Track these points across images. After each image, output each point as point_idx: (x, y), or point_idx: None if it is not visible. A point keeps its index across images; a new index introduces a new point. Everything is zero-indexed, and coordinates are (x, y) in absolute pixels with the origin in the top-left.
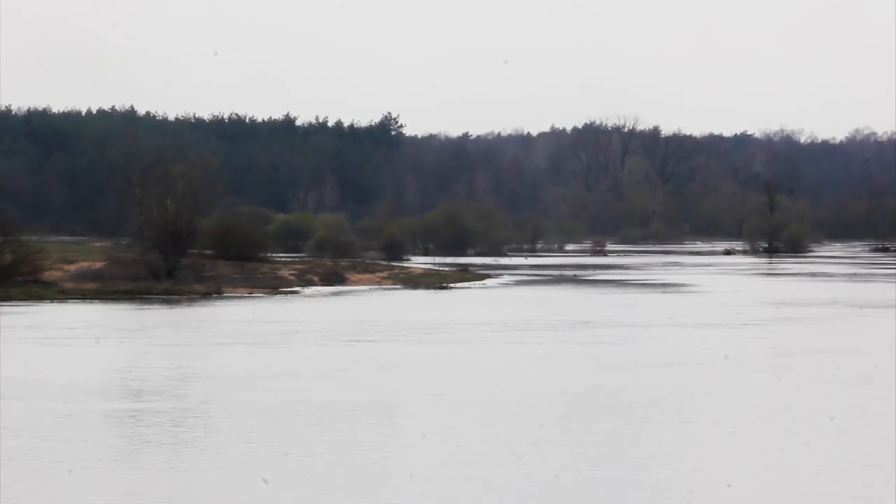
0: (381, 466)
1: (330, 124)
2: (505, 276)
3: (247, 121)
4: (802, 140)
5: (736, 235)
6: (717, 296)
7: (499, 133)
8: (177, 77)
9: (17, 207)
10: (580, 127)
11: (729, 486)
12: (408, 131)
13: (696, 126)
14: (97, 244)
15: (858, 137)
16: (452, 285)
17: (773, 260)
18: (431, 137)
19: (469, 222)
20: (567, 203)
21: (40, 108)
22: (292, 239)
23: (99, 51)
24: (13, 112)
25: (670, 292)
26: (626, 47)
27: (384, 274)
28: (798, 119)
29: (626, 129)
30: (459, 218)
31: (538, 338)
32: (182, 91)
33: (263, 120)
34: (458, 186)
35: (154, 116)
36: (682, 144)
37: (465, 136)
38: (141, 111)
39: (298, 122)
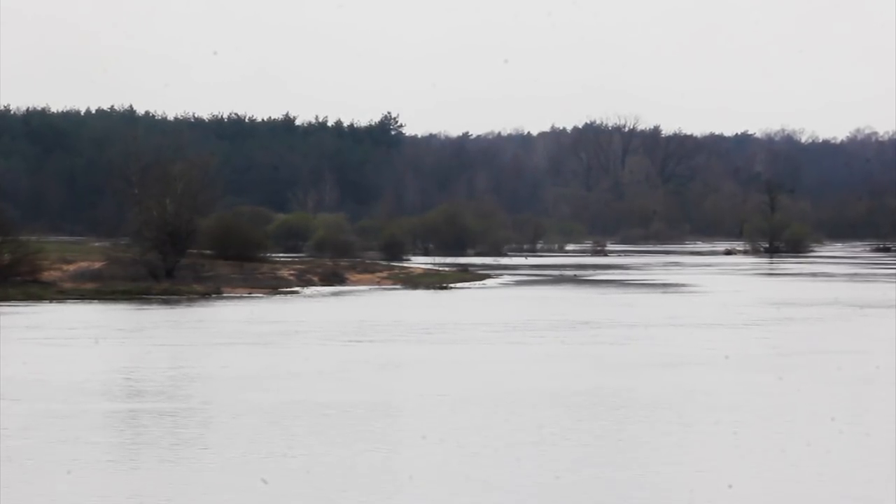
0: (381, 467)
1: (329, 124)
2: (505, 277)
3: (246, 120)
4: (803, 140)
5: (737, 235)
6: (717, 296)
7: (499, 133)
8: (176, 76)
9: (16, 207)
10: (580, 127)
11: (730, 486)
12: (408, 131)
13: (697, 126)
14: (96, 244)
15: (859, 137)
16: (452, 285)
17: (774, 260)
18: (431, 137)
19: (469, 222)
20: (567, 203)
21: (39, 108)
22: (292, 239)
23: (98, 50)
24: (12, 111)
25: (671, 292)
26: (626, 47)
27: (384, 274)
28: (799, 119)
29: (627, 129)
30: (459, 218)
31: (538, 338)
32: (181, 90)
33: (263, 119)
34: (458, 186)
35: (153, 116)
36: (682, 144)
37: (465, 135)
38: (140, 111)
39: (298, 122)
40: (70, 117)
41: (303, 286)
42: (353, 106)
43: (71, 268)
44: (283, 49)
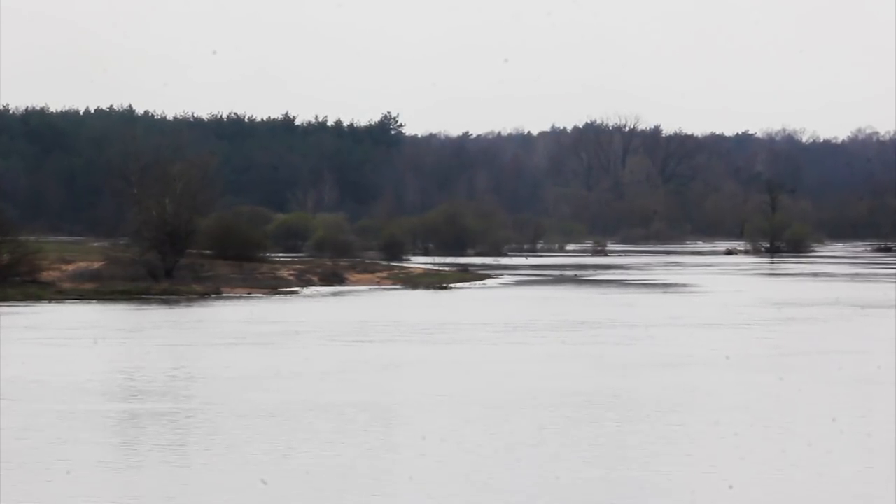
0: (381, 467)
1: (329, 123)
2: (505, 277)
3: (246, 120)
4: (804, 139)
5: (737, 235)
6: (718, 296)
7: (499, 132)
8: (175, 76)
9: (15, 207)
10: (581, 126)
11: (731, 487)
12: (407, 130)
13: (698, 125)
14: (95, 244)
15: (860, 137)
16: (452, 285)
17: (775, 260)
18: (431, 137)
19: (469, 222)
20: (568, 203)
21: (38, 108)
22: (291, 239)
23: (97, 50)
24: (11, 111)
25: (672, 292)
26: (627, 46)
27: (384, 274)
28: (800, 118)
29: (627, 129)
30: (459, 218)
31: (539, 338)
32: (180, 90)
33: (262, 119)
34: (458, 186)
35: (152, 116)
36: (683, 144)
37: (465, 135)
38: (139, 110)
39: (297, 122)
40: (69, 117)
41: (302, 286)
42: (352, 105)
43: (70, 268)
44: (282, 48)
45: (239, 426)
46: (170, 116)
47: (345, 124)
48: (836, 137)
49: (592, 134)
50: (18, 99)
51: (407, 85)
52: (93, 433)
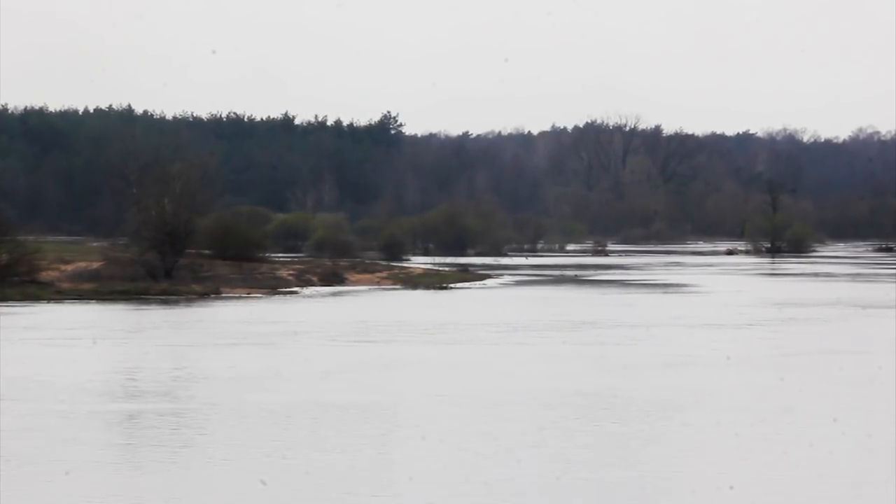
0: (381, 468)
1: (329, 123)
2: (505, 277)
3: (245, 120)
4: (805, 139)
5: (738, 235)
6: (719, 296)
7: (499, 132)
8: (174, 76)
9: (14, 207)
10: (581, 126)
11: (731, 487)
12: (407, 130)
13: (698, 125)
14: (94, 244)
15: (862, 136)
16: (452, 285)
17: (776, 260)
18: (431, 136)
19: (469, 222)
20: (568, 203)
21: (37, 107)
22: (291, 239)
23: (96, 49)
24: (9, 111)
25: (672, 292)
26: (627, 46)
27: (384, 274)
28: (801, 118)
29: (628, 128)
30: (459, 218)
31: (539, 338)
32: (180, 90)
33: (262, 119)
34: (458, 186)
35: (151, 115)
36: (683, 144)
37: (466, 135)
38: (138, 110)
39: (297, 122)
40: (68, 117)
41: (302, 286)
42: (352, 105)
43: (69, 268)
44: (282, 48)
45: (239, 426)
46: (169, 116)
47: (344, 124)
48: (837, 137)
49: (593, 134)
50: (17, 98)
51: (407, 85)
52: (93, 433)
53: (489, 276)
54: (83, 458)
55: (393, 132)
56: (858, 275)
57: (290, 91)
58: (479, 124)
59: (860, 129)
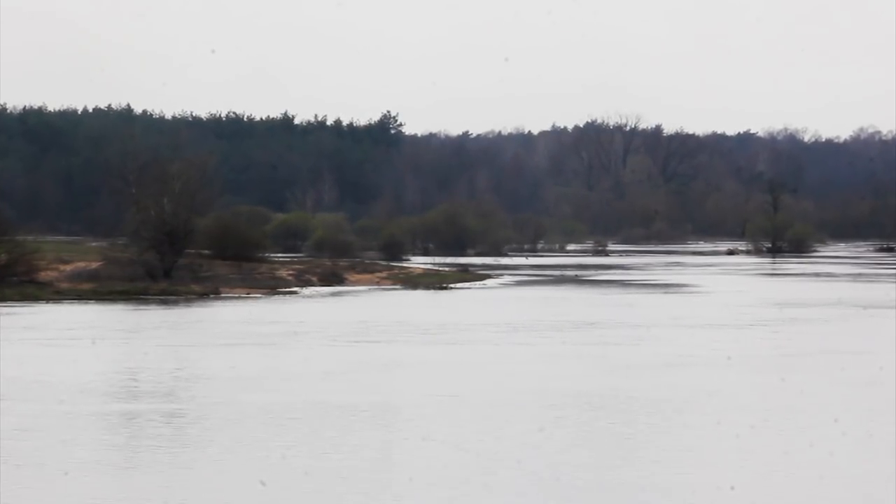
0: (381, 469)
1: (329, 123)
2: (506, 277)
3: (244, 119)
4: (806, 139)
5: (739, 235)
6: (720, 296)
7: (499, 132)
8: (174, 75)
9: (13, 207)
10: (582, 125)
11: (732, 488)
12: (407, 130)
13: (699, 125)
14: (93, 244)
15: (863, 136)
16: (452, 286)
17: (777, 260)
18: (431, 136)
19: (469, 222)
20: (568, 202)
21: (36, 107)
22: (290, 239)
23: (95, 49)
24: (8, 110)
25: (673, 293)
26: (627, 45)
27: (383, 274)
28: (802, 118)
29: (628, 128)
30: (459, 218)
31: (539, 339)
32: (179, 89)
33: (261, 118)
34: (459, 186)
35: (151, 115)
36: (684, 143)
37: (466, 134)
38: (137, 109)
39: (297, 121)
40: (67, 116)
41: (301, 286)
42: (352, 105)
43: (68, 268)
44: (281, 47)
45: (239, 427)
46: (168, 116)
47: (344, 124)
48: (838, 137)
49: (593, 133)
50: (16, 98)
51: (407, 84)
52: (92, 433)
53: (489, 277)
54: (83, 459)
55: (393, 132)
56: (859, 275)
57: (289, 91)
58: (479, 124)
59: (861, 129)
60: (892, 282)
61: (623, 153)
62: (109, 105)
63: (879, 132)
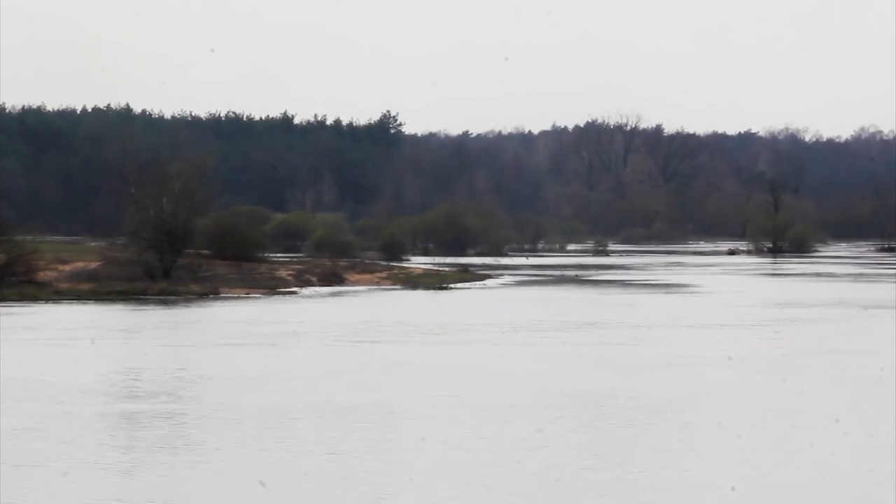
0: (381, 469)
1: (328, 123)
2: (506, 277)
3: (244, 119)
4: (807, 139)
5: (740, 235)
6: (720, 296)
7: (499, 131)
8: (173, 75)
9: (12, 207)
10: (582, 125)
11: (733, 488)
12: (407, 130)
13: (700, 124)
14: (92, 244)
15: (864, 136)
16: (452, 286)
17: (778, 260)
18: (431, 136)
19: (469, 222)
20: (569, 202)
21: (35, 106)
22: (290, 239)
23: (95, 48)
24: (7, 110)
25: (673, 293)
26: (628, 45)
27: (383, 274)
28: (803, 117)
29: (629, 128)
30: (459, 218)
31: (540, 339)
32: (178, 89)
33: (261, 118)
34: (459, 186)
35: (150, 115)
36: (685, 143)
37: (466, 134)
38: (137, 109)
39: (296, 121)
40: (66, 116)
41: (301, 286)
42: (352, 104)
43: (67, 268)
44: (281, 47)
45: (239, 427)
46: (168, 115)
47: (344, 123)
48: (839, 136)
49: (593, 133)
50: (15, 97)
51: (407, 84)
52: (92, 434)
53: (489, 277)
54: (83, 459)
55: (393, 132)
56: (861, 275)
57: (289, 90)
58: (479, 124)
59: (862, 129)
60: (894, 282)
61: (623, 153)
62: (109, 105)
63: (881, 132)
